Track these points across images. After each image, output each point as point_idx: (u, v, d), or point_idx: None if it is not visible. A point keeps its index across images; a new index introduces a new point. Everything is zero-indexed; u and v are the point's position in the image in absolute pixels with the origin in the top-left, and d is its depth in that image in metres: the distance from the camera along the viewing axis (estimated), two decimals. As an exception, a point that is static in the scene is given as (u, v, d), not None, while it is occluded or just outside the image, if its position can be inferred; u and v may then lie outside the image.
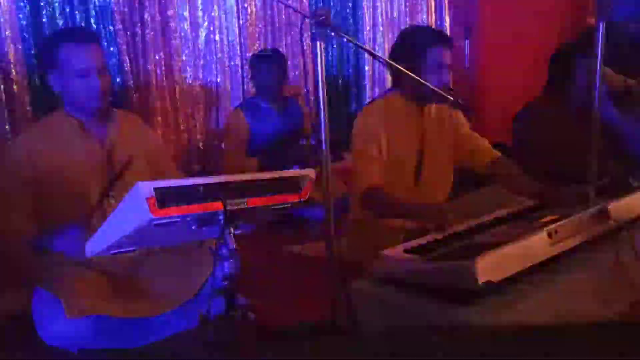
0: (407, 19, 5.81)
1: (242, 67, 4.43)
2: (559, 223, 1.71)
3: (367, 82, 5.46)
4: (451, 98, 2.09)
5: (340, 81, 5.31)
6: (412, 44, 2.32)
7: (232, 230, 1.49)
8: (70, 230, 1.82)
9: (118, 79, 3.89)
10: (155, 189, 1.32)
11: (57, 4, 3.62)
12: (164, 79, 4.09)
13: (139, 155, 2.06)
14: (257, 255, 2.69)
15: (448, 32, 6.21)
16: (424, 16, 5.99)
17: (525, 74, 6.09)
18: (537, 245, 1.62)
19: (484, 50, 6.31)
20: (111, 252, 1.57)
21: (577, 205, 1.98)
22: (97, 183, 1.95)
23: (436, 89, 2.08)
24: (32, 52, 3.53)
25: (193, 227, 1.50)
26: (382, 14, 5.56)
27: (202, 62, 4.29)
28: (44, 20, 3.58)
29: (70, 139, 1.94)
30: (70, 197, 1.92)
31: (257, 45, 4.50)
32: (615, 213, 1.84)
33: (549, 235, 1.66)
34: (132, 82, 3.94)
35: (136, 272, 2.00)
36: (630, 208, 1.96)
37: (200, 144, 4.30)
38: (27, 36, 3.51)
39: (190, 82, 4.25)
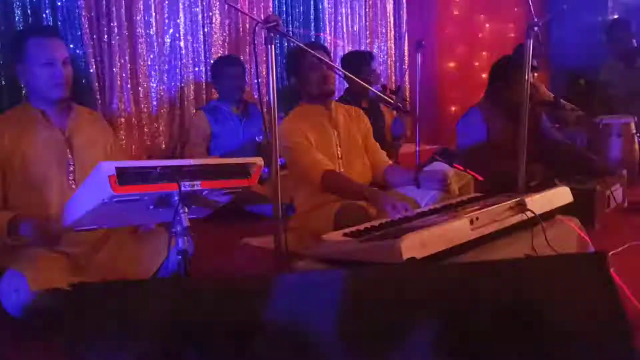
0: (367, 32, 6.07)
1: (205, 73, 4.59)
2: (480, 211, 1.93)
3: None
4: (391, 101, 2.31)
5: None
6: (292, 54, 2.68)
7: (186, 210, 1.66)
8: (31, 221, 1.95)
9: (83, 81, 4.00)
10: (117, 167, 1.48)
11: (25, 7, 3.72)
12: (129, 81, 4.21)
13: (97, 145, 2.21)
14: (208, 245, 2.86)
15: (406, 47, 6.52)
16: (383, 31, 6.27)
17: (475, 85, 6.44)
18: (459, 229, 1.83)
19: (437, 63, 6.64)
20: (75, 229, 1.72)
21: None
22: (57, 168, 2.09)
23: (379, 93, 2.32)
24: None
25: (151, 207, 1.66)
26: (343, 28, 5.81)
27: (166, 67, 4.44)
28: (10, 22, 3.68)
29: (33, 127, 2.09)
30: (32, 181, 2.05)
31: (220, 52, 4.68)
32: (532, 206, 2.07)
33: (471, 221, 1.87)
34: (96, 84, 4.06)
35: (95, 255, 2.14)
36: (545, 202, 2.20)
37: (163, 145, 4.43)
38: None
39: (154, 85, 4.38)
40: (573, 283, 0.98)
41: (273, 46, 1.92)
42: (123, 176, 1.50)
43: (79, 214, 1.60)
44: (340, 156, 2.65)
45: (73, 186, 2.08)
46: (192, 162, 1.67)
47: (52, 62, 2.06)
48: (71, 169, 2.11)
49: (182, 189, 1.60)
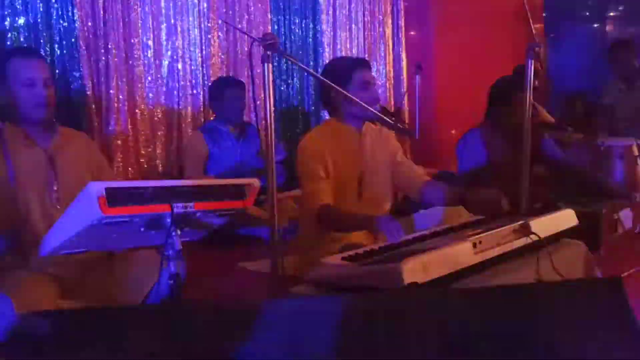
0: (366, 55, 6.06)
1: (203, 96, 4.56)
2: (483, 234, 1.87)
3: (326, 114, 5.65)
4: (391, 122, 2.27)
5: (300, 111, 5.49)
6: (338, 71, 2.51)
7: (178, 232, 1.59)
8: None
9: (80, 103, 3.96)
10: (106, 188, 1.42)
11: (22, 29, 3.71)
12: (126, 104, 4.18)
13: (82, 164, 2.16)
14: (202, 269, 2.78)
15: (405, 69, 6.52)
16: (382, 53, 6.27)
17: (474, 108, 6.44)
18: (461, 252, 1.77)
19: (435, 85, 6.64)
20: (62, 251, 1.65)
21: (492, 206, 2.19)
22: (39, 188, 2.04)
23: (379, 114, 2.27)
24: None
25: (142, 229, 1.60)
26: (341, 50, 5.80)
27: (164, 89, 4.41)
28: (8, 44, 3.66)
29: (14, 146, 2.04)
30: (12, 201, 2.00)
31: (219, 74, 4.66)
32: (536, 229, 2.01)
33: (474, 245, 1.81)
34: (93, 106, 4.02)
35: (84, 278, 2.08)
36: (550, 225, 2.14)
37: (160, 168, 4.38)
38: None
39: (151, 107, 4.35)
40: (588, 309, 0.92)
41: (270, 65, 1.88)
42: (113, 197, 1.44)
43: (66, 237, 1.53)
44: (361, 180, 2.54)
45: (58, 206, 2.03)
46: (185, 182, 1.62)
47: (33, 83, 2.03)
48: (54, 188, 2.06)
49: (175, 210, 1.54)
